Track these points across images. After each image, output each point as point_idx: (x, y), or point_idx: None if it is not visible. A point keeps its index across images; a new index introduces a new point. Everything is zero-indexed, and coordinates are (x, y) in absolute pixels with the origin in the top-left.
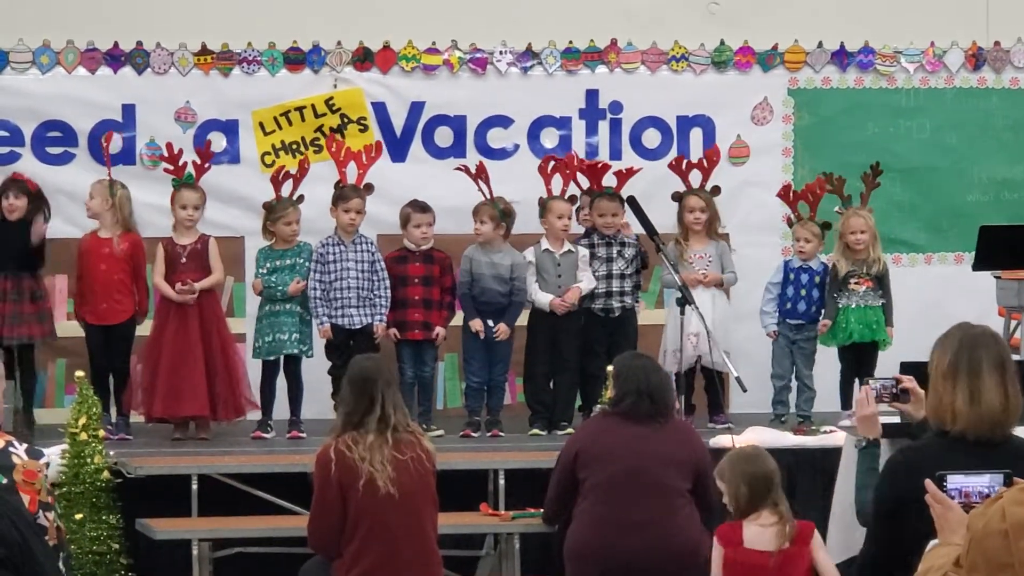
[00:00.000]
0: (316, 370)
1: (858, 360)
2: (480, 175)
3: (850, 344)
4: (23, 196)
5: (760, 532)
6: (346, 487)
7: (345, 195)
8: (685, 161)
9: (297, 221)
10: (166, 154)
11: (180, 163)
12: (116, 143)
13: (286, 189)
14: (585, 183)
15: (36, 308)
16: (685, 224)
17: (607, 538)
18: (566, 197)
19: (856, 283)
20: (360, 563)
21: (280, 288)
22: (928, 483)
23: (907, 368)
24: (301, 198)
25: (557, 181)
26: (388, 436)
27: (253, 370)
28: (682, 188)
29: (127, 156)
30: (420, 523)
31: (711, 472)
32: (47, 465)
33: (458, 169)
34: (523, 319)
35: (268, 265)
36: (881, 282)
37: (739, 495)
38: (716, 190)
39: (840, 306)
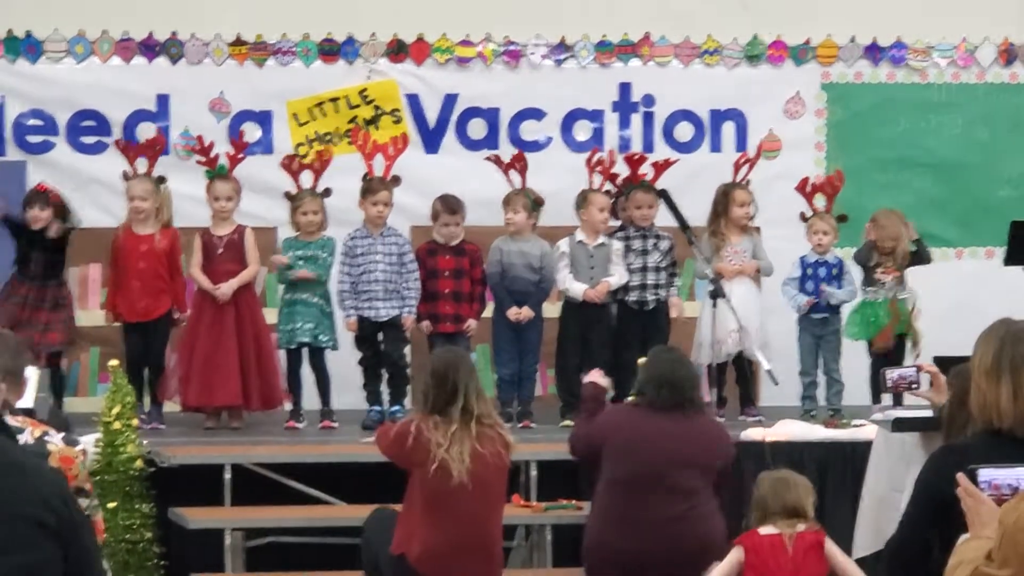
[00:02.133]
0: (347, 362)
1: (887, 353)
2: (515, 164)
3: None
4: (48, 208)
5: (774, 527)
6: (415, 462)
7: (372, 187)
8: (746, 157)
9: (315, 212)
10: (198, 146)
11: (212, 154)
12: (148, 131)
13: (306, 179)
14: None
15: (63, 315)
16: (731, 217)
17: (625, 537)
18: (604, 191)
19: (883, 272)
20: (424, 542)
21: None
22: (960, 476)
23: (940, 363)
24: (328, 191)
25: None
26: (472, 427)
27: (283, 361)
28: (719, 182)
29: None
30: (488, 514)
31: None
32: (84, 452)
33: (488, 159)
34: (555, 311)
35: (290, 254)
36: (910, 262)
37: (770, 511)
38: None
39: (866, 300)
